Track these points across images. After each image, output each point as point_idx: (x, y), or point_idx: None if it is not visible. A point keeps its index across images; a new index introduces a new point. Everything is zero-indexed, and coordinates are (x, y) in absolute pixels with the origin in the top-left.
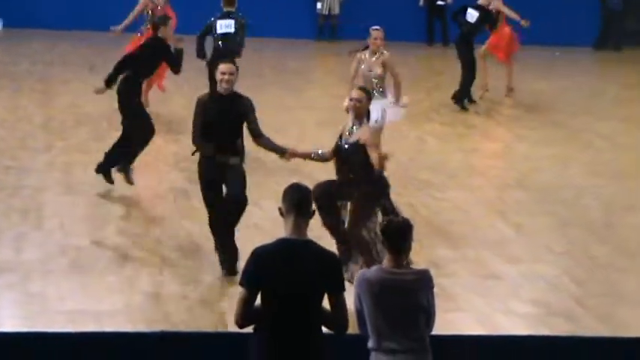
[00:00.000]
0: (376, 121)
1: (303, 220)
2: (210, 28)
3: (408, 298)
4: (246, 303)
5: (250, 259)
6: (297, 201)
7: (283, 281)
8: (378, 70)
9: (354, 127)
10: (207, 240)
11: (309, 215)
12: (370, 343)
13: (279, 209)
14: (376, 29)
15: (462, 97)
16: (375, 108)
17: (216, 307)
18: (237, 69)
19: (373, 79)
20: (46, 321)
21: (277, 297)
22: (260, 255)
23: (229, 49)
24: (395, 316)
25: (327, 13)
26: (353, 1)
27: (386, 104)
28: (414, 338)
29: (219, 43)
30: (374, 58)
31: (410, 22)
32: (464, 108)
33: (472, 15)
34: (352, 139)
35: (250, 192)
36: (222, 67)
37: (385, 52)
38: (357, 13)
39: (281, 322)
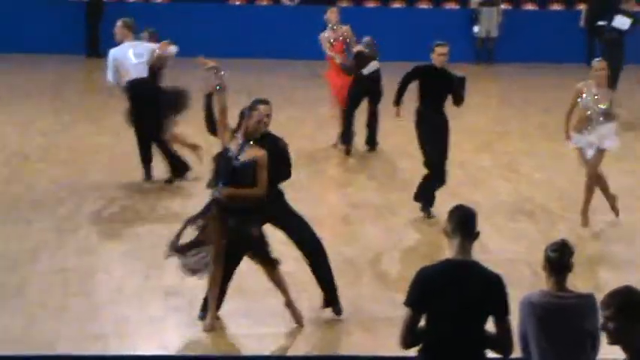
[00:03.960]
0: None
1: (469, 241)
2: None
3: (572, 323)
4: (412, 323)
5: (415, 280)
6: (462, 222)
7: (448, 302)
8: (605, 104)
9: None
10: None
11: (473, 236)
12: None
13: (444, 230)
14: (599, 60)
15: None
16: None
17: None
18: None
19: (599, 113)
20: (210, 343)
21: (442, 318)
22: (426, 276)
23: None
24: (560, 339)
25: (484, 36)
26: (512, 23)
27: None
28: None
29: None
30: (602, 91)
31: (569, 44)
32: None
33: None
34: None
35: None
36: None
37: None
38: (515, 35)
39: (446, 343)
